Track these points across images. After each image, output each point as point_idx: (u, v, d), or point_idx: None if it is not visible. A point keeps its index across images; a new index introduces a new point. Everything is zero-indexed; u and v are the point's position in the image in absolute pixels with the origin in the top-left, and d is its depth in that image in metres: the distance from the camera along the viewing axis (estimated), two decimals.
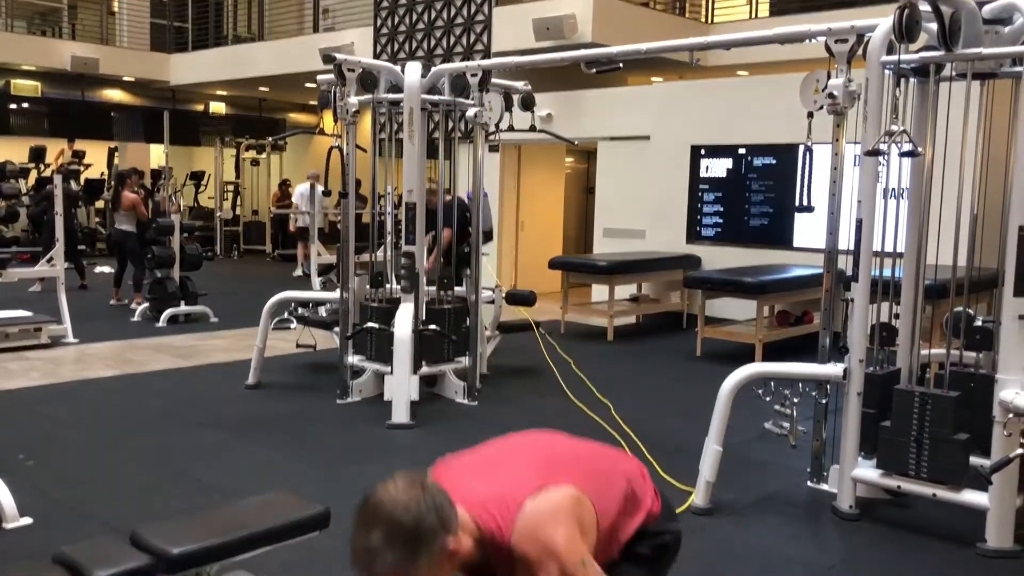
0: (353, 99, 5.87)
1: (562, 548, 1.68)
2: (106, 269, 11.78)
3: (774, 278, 7.96)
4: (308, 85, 14.76)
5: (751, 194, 9.36)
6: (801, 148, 4.38)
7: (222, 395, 6.19)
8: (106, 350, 7.67)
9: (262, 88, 17.80)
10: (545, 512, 1.73)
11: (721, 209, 9.60)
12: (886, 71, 3.91)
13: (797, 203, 4.53)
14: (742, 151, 9.38)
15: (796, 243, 8.89)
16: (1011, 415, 3.45)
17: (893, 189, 4.10)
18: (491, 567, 1.80)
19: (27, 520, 3.74)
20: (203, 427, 5.35)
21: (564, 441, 2.06)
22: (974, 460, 3.75)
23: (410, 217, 5.64)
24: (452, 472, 1.88)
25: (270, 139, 16.31)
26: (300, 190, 13.71)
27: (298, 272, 13.40)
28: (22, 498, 3.79)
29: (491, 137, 6.43)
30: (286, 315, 7.14)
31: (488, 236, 6.45)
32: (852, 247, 4.02)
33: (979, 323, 4.19)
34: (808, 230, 8.52)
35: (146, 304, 9.23)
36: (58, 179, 8.45)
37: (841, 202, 4.17)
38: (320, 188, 12.31)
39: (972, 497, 3.68)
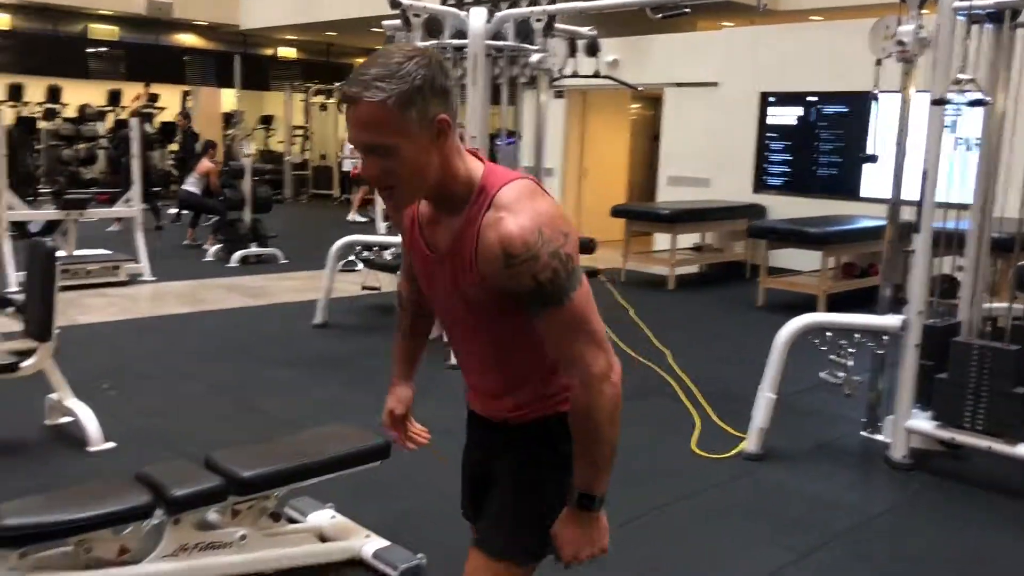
0: (419, 44, 5.91)
1: (544, 209, 1.52)
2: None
3: (839, 229, 7.84)
4: (374, 30, 14.75)
5: (820, 143, 9.19)
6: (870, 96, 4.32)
7: (290, 333, 6.41)
8: (180, 288, 7.97)
9: (330, 33, 17.90)
10: (539, 188, 1.58)
11: (789, 158, 9.44)
12: (958, 17, 3.80)
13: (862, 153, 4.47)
14: (812, 99, 9.18)
15: (864, 193, 8.71)
16: None
17: (963, 139, 4.02)
18: (457, 231, 1.59)
19: (111, 444, 4.00)
20: (272, 363, 5.57)
21: None
22: None
23: None
24: None
25: (338, 84, 16.44)
26: None
27: (351, 217, 13.33)
28: (106, 424, 4.05)
29: (555, 83, 6.42)
30: (352, 258, 7.32)
31: None
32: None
33: None
34: (876, 180, 8.33)
35: (219, 245, 9.53)
36: (134, 122, 8.71)
37: (907, 152, 4.10)
38: None
39: None
